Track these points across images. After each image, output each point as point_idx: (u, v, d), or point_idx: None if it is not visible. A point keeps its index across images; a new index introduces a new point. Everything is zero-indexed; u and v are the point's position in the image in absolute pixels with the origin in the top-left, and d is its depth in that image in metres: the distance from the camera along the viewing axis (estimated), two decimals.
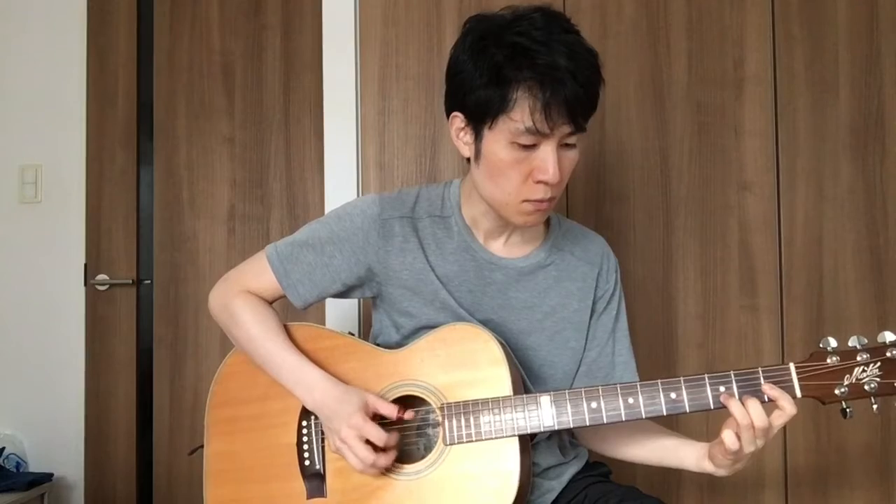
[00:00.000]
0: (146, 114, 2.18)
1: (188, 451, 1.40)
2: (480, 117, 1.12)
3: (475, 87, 1.10)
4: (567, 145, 1.13)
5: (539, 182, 1.12)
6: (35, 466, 2.15)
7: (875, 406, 1.05)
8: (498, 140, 1.12)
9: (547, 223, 1.33)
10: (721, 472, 1.15)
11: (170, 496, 2.11)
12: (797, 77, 1.91)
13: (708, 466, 1.17)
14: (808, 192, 1.91)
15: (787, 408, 1.05)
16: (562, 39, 1.07)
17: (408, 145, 2.01)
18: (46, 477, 2.08)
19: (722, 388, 1.08)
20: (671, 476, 1.91)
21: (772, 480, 1.89)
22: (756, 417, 1.05)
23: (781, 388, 1.06)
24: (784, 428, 1.83)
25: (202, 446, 1.28)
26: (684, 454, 1.22)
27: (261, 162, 2.13)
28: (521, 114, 1.08)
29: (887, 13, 1.90)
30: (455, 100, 1.17)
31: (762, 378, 1.07)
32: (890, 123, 1.89)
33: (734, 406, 1.06)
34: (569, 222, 1.38)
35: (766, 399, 1.07)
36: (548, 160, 1.10)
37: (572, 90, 1.06)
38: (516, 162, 1.12)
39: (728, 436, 1.07)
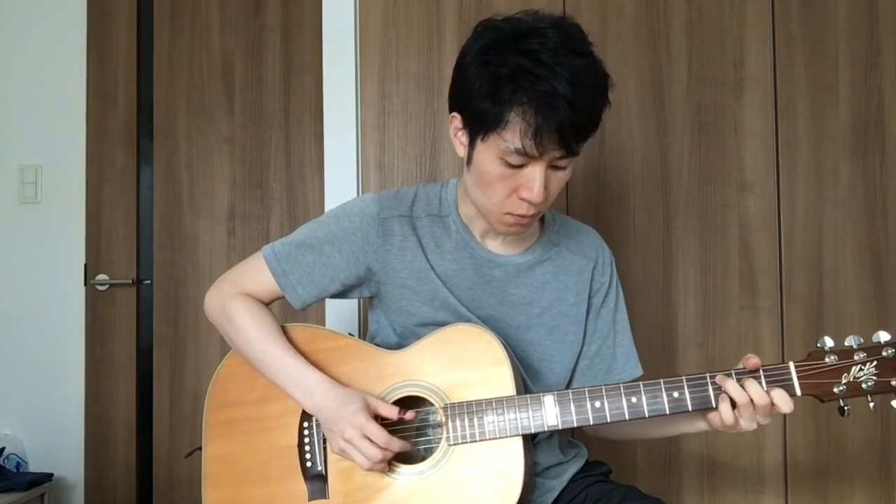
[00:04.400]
0: (146, 114, 2.18)
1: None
2: (475, 127, 1.13)
3: (474, 97, 1.10)
4: (557, 167, 1.13)
5: (523, 199, 1.13)
6: (35, 466, 2.15)
7: (872, 404, 1.08)
8: (488, 153, 1.12)
9: (542, 219, 1.34)
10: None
11: (170, 496, 2.11)
12: (797, 77, 1.92)
13: (702, 426, 1.17)
14: (808, 192, 1.91)
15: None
16: (568, 63, 1.05)
17: (408, 145, 2.01)
18: (46, 477, 2.08)
19: None
20: (671, 476, 1.91)
21: (771, 477, 1.89)
22: (756, 397, 1.07)
23: (781, 386, 1.08)
24: (784, 425, 1.87)
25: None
26: (682, 422, 1.22)
27: (261, 162, 2.13)
28: (513, 135, 1.07)
29: (887, 13, 1.90)
30: (456, 101, 1.18)
31: (763, 377, 1.09)
32: (890, 123, 1.90)
33: (731, 386, 1.08)
34: (563, 217, 1.39)
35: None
36: (534, 180, 1.10)
37: (566, 117, 1.05)
38: (503, 177, 1.12)
39: (725, 409, 1.08)
